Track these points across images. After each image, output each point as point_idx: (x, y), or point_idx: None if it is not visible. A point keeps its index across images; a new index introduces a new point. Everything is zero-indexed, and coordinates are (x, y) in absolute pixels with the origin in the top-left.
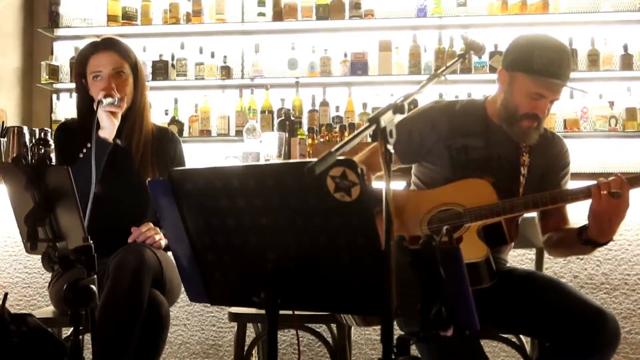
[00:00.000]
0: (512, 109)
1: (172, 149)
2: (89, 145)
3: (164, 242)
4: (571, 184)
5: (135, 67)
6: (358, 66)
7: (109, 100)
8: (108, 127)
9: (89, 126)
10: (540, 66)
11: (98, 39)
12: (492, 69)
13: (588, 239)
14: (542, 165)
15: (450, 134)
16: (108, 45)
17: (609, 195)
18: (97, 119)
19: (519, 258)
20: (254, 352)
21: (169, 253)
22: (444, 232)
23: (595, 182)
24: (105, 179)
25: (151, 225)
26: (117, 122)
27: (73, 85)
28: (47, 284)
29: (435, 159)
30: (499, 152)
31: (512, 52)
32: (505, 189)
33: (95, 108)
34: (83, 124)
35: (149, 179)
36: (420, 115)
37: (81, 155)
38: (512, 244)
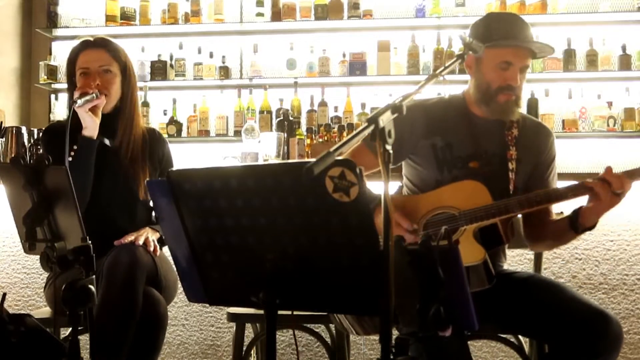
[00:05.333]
0: (485, 87)
1: (161, 150)
2: (75, 147)
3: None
4: (569, 185)
5: (125, 68)
6: (356, 66)
7: (85, 97)
8: (90, 125)
9: (77, 127)
10: (500, 33)
11: (91, 38)
12: None
13: (582, 227)
14: (530, 158)
15: (431, 132)
16: (98, 43)
17: (612, 194)
18: (80, 117)
19: (517, 258)
20: (252, 352)
21: (167, 252)
22: (442, 233)
23: (581, 182)
24: (96, 179)
25: (148, 230)
26: (98, 119)
27: None
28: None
29: (421, 160)
30: (485, 146)
31: (471, 37)
32: (496, 186)
33: (70, 108)
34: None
35: (147, 179)
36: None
37: (70, 159)
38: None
